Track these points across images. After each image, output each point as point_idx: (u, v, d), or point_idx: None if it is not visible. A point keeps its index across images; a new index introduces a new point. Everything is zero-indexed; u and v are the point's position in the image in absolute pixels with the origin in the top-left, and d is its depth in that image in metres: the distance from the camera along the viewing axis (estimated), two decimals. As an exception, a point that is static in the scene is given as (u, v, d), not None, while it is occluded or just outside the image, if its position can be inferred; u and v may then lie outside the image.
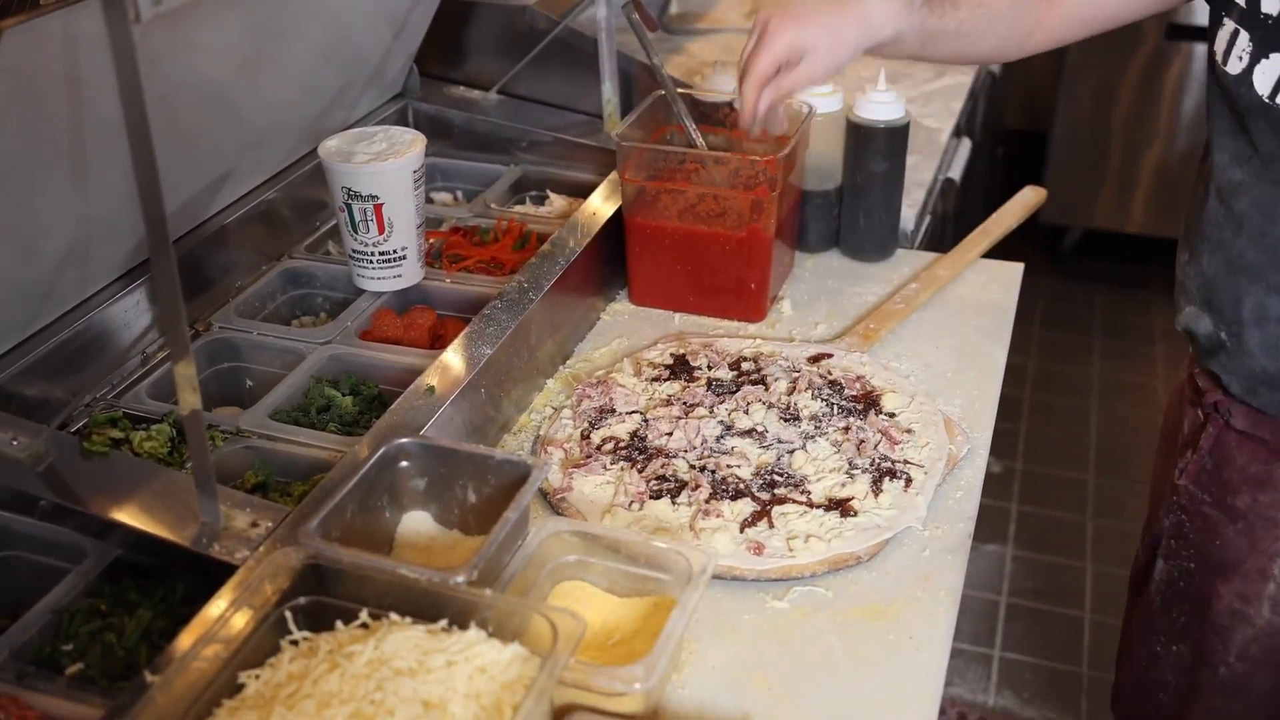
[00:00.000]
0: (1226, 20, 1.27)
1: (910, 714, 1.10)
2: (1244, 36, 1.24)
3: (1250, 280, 1.28)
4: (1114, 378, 3.75)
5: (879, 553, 1.27)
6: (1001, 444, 3.40)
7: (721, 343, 1.60)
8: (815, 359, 1.55)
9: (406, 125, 2.02)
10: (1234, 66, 1.25)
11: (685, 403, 1.45)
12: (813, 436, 1.40)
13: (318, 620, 1.04)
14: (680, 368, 1.54)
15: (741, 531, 1.27)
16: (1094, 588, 2.92)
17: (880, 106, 1.72)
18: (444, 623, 1.01)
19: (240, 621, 1.01)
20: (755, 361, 1.55)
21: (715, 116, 1.76)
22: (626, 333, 1.68)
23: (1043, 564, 3.03)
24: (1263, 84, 1.22)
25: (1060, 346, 3.88)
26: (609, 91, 1.94)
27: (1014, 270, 1.82)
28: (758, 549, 1.24)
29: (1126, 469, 3.35)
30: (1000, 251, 1.84)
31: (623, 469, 1.36)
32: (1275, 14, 1.21)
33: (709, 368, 1.53)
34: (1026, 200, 1.89)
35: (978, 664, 2.75)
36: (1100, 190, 4.15)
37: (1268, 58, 1.22)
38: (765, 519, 1.29)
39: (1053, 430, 3.51)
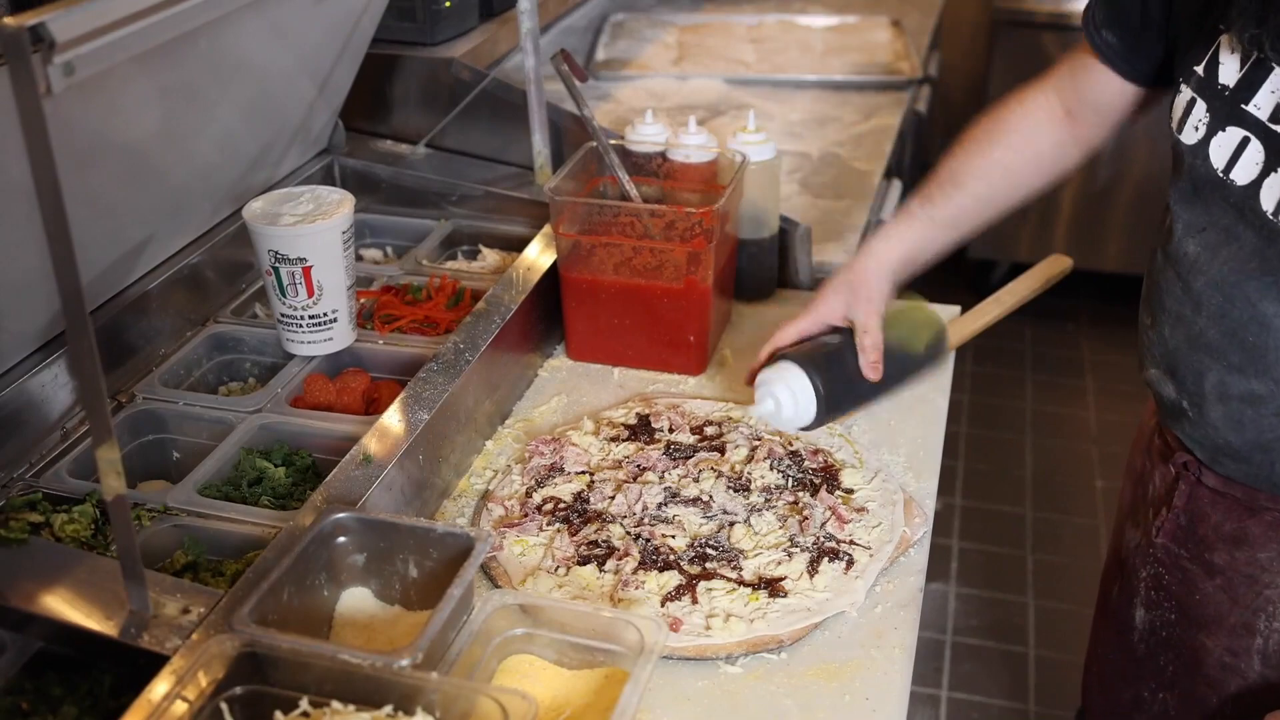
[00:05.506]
0: (1184, 87, 1.23)
1: (872, 779, 1.08)
2: (1200, 106, 1.20)
3: (1212, 358, 1.25)
4: (1046, 410, 3.78)
5: (803, 637, 1.22)
6: (941, 481, 3.40)
7: (690, 405, 1.56)
8: None
9: (333, 182, 1.98)
10: (1189, 136, 1.22)
11: (638, 465, 1.42)
12: (759, 509, 1.36)
13: (256, 711, 1.00)
14: (641, 429, 1.50)
15: (663, 605, 1.23)
16: (1036, 623, 2.92)
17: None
18: (389, 708, 0.98)
19: (174, 715, 0.96)
20: (720, 426, 1.50)
21: (648, 167, 1.75)
22: (565, 389, 1.65)
23: (985, 600, 3.03)
24: (1218, 158, 1.18)
25: (993, 381, 3.91)
26: (539, 143, 1.92)
27: (950, 313, 1.80)
28: (675, 625, 1.20)
29: (1062, 501, 3.37)
30: (930, 287, 1.82)
31: (557, 530, 1.33)
32: (1232, 86, 1.17)
33: (671, 430, 1.49)
34: (1048, 270, 1.66)
35: (926, 706, 2.73)
36: (1024, 224, 4.21)
37: (1224, 130, 1.17)
38: (690, 593, 1.24)
39: (988, 464, 3.53)
